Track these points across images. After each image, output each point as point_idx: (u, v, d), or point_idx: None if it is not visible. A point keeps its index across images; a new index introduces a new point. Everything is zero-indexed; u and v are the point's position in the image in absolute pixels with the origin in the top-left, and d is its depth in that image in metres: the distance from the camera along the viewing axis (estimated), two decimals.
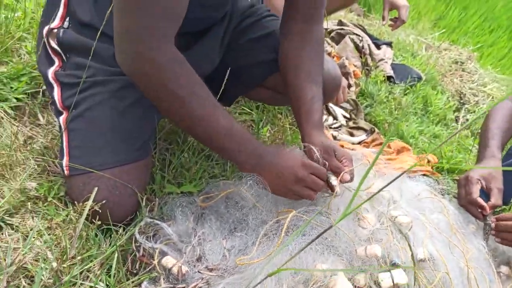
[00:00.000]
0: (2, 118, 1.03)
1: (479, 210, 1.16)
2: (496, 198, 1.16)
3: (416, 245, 0.97)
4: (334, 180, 0.90)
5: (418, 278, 0.92)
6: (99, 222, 0.80)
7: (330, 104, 1.79)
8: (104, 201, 0.81)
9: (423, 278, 0.93)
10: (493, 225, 1.12)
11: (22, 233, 0.80)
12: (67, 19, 0.94)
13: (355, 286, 0.87)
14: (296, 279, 0.76)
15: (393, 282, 0.87)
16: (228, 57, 1.12)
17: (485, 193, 1.21)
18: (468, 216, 1.20)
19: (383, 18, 1.88)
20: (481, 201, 1.14)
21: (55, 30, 0.93)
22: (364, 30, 2.49)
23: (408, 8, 1.84)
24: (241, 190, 0.91)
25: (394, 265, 0.90)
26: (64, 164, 0.87)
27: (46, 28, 0.93)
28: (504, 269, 1.12)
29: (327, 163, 0.93)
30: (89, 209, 0.77)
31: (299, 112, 1.01)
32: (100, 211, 0.80)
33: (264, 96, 1.26)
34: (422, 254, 0.95)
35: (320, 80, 1.04)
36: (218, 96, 0.99)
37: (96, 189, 0.79)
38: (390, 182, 0.53)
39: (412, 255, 0.86)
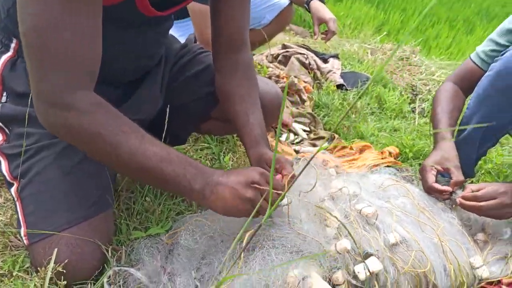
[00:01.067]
0: None
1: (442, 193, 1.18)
2: (456, 175, 1.19)
3: (386, 231, 0.99)
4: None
5: (394, 262, 0.94)
6: (65, 283, 0.79)
7: None
8: (66, 261, 0.80)
9: (399, 261, 0.94)
10: (457, 201, 1.14)
11: None
12: (4, 94, 0.96)
13: (334, 285, 0.87)
14: None
15: (369, 271, 0.88)
16: (170, 97, 1.16)
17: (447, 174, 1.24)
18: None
19: (315, 33, 1.99)
20: (437, 186, 1.17)
21: None
22: (308, 48, 2.61)
23: (335, 20, 1.95)
24: (205, 217, 0.92)
25: (368, 255, 0.91)
26: (22, 234, 0.86)
27: None
28: (480, 236, 1.14)
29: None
30: (52, 272, 0.76)
31: (241, 135, 1.05)
32: (64, 271, 0.79)
33: (215, 127, 1.29)
34: (393, 239, 0.96)
35: (254, 101, 1.07)
36: (166, 136, 1.02)
37: (56, 250, 0.79)
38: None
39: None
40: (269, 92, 1.23)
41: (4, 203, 1.10)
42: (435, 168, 1.22)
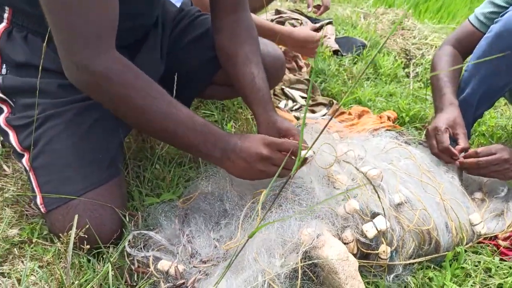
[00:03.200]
0: None
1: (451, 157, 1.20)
2: (463, 141, 1.21)
3: (391, 192, 1.03)
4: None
5: (400, 220, 0.98)
6: (88, 247, 0.82)
7: (287, 89, 1.84)
8: (87, 226, 0.83)
9: (404, 219, 0.98)
10: (457, 163, 1.18)
11: (16, 277, 0.81)
12: (3, 66, 0.95)
13: (344, 243, 0.91)
14: (286, 248, 0.80)
15: (377, 229, 0.92)
16: (172, 63, 1.15)
17: (452, 139, 1.27)
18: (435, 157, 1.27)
19: (308, 6, 1.96)
20: (452, 149, 1.19)
21: None
22: (302, 14, 2.58)
23: None
24: (218, 181, 0.95)
25: (375, 214, 0.95)
26: (38, 203, 0.88)
27: None
28: (477, 194, 1.19)
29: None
30: (75, 237, 0.78)
31: (245, 96, 1.06)
32: (86, 236, 0.82)
33: (217, 92, 1.29)
34: (398, 199, 1.00)
35: (258, 60, 1.07)
36: None
37: (76, 216, 0.80)
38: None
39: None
40: (271, 54, 1.23)
41: (13, 173, 1.10)
42: (449, 130, 1.22)
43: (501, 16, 1.26)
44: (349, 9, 3.08)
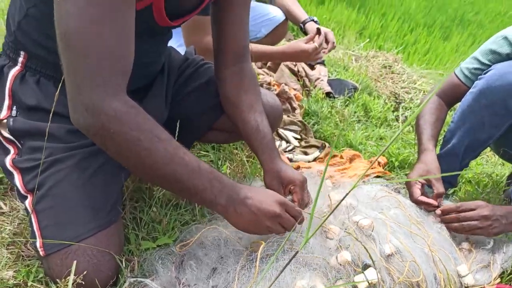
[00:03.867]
0: None
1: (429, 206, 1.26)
2: (436, 187, 1.28)
3: (381, 242, 1.06)
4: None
5: (390, 272, 1.01)
6: None
7: (281, 129, 1.90)
8: (85, 272, 0.84)
9: (394, 271, 1.01)
10: (437, 215, 1.22)
11: None
12: (14, 107, 0.98)
13: None
14: None
15: (368, 282, 0.94)
16: (176, 109, 1.20)
17: (429, 185, 1.33)
18: None
19: None
20: (423, 199, 1.25)
21: (5, 121, 0.97)
22: None
23: (332, 33, 2.02)
24: (215, 227, 0.97)
25: (366, 266, 0.98)
26: (38, 246, 0.89)
27: None
28: (465, 245, 1.23)
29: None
30: (73, 284, 0.79)
31: (250, 143, 1.10)
32: (83, 283, 0.83)
33: (216, 137, 1.34)
34: (388, 250, 1.04)
35: (260, 109, 1.12)
36: None
37: (75, 262, 0.81)
38: (348, 192, 0.61)
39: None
40: (269, 103, 1.29)
41: (10, 211, 1.11)
42: (419, 182, 1.30)
43: (484, 74, 1.35)
44: (341, 51, 3.20)
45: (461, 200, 1.53)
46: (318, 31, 1.93)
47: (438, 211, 1.21)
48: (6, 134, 0.97)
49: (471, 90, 1.37)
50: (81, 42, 0.74)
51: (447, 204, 1.28)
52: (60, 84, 0.85)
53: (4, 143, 0.98)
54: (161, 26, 0.97)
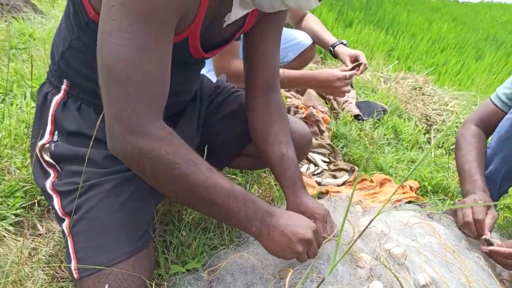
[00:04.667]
0: (4, 236, 1.08)
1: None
2: (490, 227, 1.20)
3: (415, 271, 1.03)
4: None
5: None
6: None
7: (309, 153, 1.89)
8: None
9: None
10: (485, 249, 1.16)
11: None
12: (56, 132, 1.02)
13: None
14: None
15: None
16: (206, 136, 1.22)
17: None
18: (459, 233, 1.26)
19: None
20: (489, 239, 1.18)
21: (47, 145, 1.01)
22: None
23: (363, 54, 2.02)
24: (243, 254, 0.97)
25: None
26: (72, 268, 0.91)
27: (38, 145, 1.01)
28: (505, 275, 1.17)
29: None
30: None
31: (275, 174, 1.11)
32: None
33: (245, 163, 1.35)
34: (423, 280, 1.00)
35: (288, 140, 1.13)
36: None
37: (107, 286, 0.83)
38: (374, 217, 0.60)
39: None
40: (298, 131, 1.29)
41: (46, 233, 1.15)
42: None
43: None
44: (369, 73, 3.18)
45: (499, 227, 1.46)
46: (357, 65, 1.93)
47: (486, 248, 1.15)
48: (47, 158, 1.02)
49: (508, 115, 1.33)
50: (124, 72, 0.77)
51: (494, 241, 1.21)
52: (101, 111, 0.87)
53: (46, 166, 1.02)
54: (195, 58, 1.00)
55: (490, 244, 1.17)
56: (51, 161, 1.00)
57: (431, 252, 1.10)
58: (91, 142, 0.93)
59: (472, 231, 1.21)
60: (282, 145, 1.10)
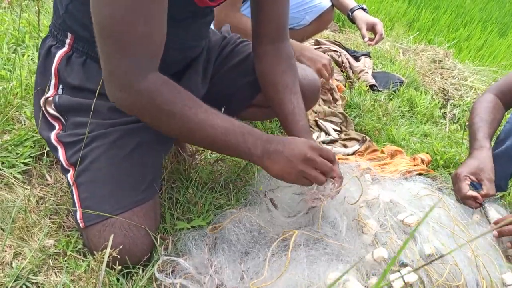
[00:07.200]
0: (13, 183, 1.08)
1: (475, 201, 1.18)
2: (487, 188, 1.18)
3: (422, 242, 1.01)
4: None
5: (429, 273, 0.96)
6: (120, 267, 0.84)
7: (320, 121, 1.86)
8: (121, 246, 0.85)
9: (433, 272, 0.97)
10: (495, 233, 1.12)
11: None
12: (60, 86, 1.01)
13: None
14: None
15: (404, 281, 0.91)
16: (215, 87, 1.20)
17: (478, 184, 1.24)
18: (469, 208, 1.24)
19: (363, 36, 1.98)
20: (471, 193, 1.17)
21: (51, 98, 1.00)
22: (341, 45, 2.60)
23: (382, 23, 1.94)
24: (246, 214, 0.96)
25: (403, 265, 0.94)
26: (78, 217, 0.92)
27: (42, 99, 1.00)
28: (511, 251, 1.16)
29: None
30: (109, 256, 0.81)
31: (285, 124, 1.10)
32: (118, 256, 0.85)
33: (255, 114, 1.33)
34: (429, 250, 0.99)
35: (297, 90, 1.12)
36: None
37: (112, 235, 0.83)
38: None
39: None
40: (308, 77, 1.26)
41: (54, 183, 1.16)
42: (469, 178, 1.21)
43: None
44: (388, 44, 3.08)
45: (509, 205, 1.44)
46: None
47: (495, 233, 1.13)
48: (51, 111, 1.01)
49: None
50: (115, 29, 0.79)
51: (495, 211, 1.19)
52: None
53: (50, 119, 1.01)
54: (201, 7, 0.97)
55: (485, 212, 1.16)
56: (55, 113, 0.99)
57: (439, 224, 1.08)
58: (97, 93, 0.92)
59: (471, 204, 1.19)
60: (292, 95, 1.09)
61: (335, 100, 2.02)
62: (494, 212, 1.18)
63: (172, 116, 0.86)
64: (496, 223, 1.14)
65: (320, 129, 1.85)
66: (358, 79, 2.32)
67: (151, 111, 0.87)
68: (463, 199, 1.20)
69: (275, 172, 0.93)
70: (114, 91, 0.86)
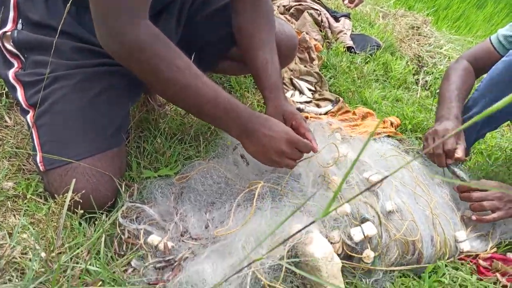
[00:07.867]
0: None
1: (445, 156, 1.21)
2: (461, 153, 1.21)
3: (384, 199, 1.05)
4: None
5: (388, 228, 1.00)
6: (82, 211, 0.83)
7: (295, 79, 1.84)
8: (83, 191, 0.84)
9: (392, 228, 1.00)
10: (473, 217, 1.14)
11: (7, 230, 0.82)
12: (20, 21, 0.94)
13: (330, 242, 0.93)
14: (274, 240, 0.82)
15: (363, 234, 0.94)
16: (190, 34, 1.15)
17: None
18: (433, 169, 1.28)
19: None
20: (443, 156, 1.19)
21: (9, 33, 0.93)
22: (321, 4, 2.54)
23: None
24: (214, 166, 0.96)
25: (364, 220, 0.97)
26: (38, 160, 0.88)
27: None
28: (467, 213, 1.21)
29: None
30: (70, 200, 0.79)
31: (257, 80, 1.08)
32: (81, 200, 0.83)
33: (230, 68, 1.29)
34: (390, 206, 1.02)
35: (273, 47, 1.09)
36: None
37: (74, 180, 0.81)
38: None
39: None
40: (286, 33, 1.23)
41: (14, 126, 1.11)
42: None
43: None
44: (369, 7, 3.04)
45: (470, 170, 1.50)
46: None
47: (473, 217, 1.14)
48: (10, 47, 0.94)
49: (503, 58, 1.29)
50: None
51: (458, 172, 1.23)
52: (69, 3, 0.84)
53: (8, 56, 0.95)
54: None
55: (455, 174, 1.20)
56: (14, 50, 0.93)
57: (401, 183, 1.12)
58: (59, 30, 0.86)
59: (441, 162, 1.22)
60: (267, 51, 1.07)
61: (312, 59, 2.00)
62: (461, 172, 1.22)
63: (159, 73, 0.83)
64: (459, 188, 1.18)
65: (295, 87, 1.83)
66: (336, 40, 2.29)
67: (139, 62, 0.83)
68: (436, 156, 1.21)
69: (249, 151, 0.95)
70: (104, 38, 0.82)
